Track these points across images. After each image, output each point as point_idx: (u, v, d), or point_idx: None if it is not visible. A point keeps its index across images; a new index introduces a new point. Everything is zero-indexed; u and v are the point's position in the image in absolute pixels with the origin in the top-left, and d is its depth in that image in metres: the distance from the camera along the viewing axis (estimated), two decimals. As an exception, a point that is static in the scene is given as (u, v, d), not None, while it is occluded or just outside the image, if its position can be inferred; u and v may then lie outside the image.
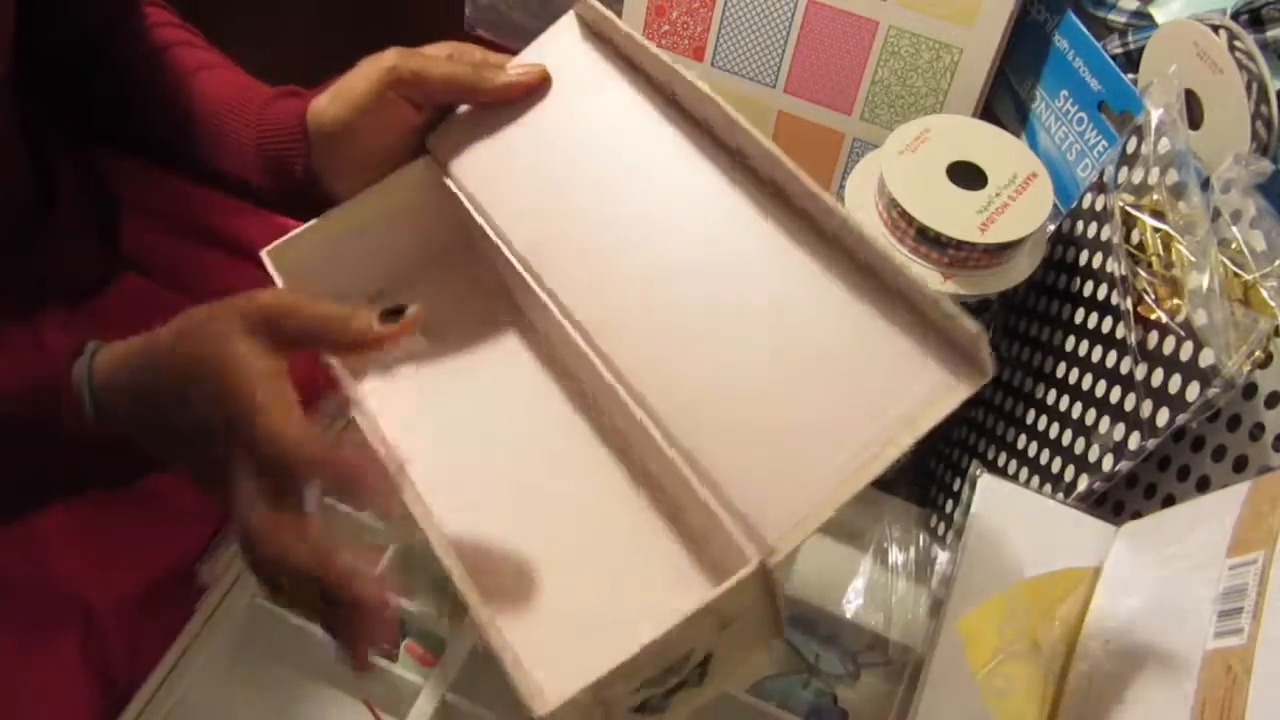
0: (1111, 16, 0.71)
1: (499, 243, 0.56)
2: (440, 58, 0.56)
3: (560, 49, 0.59)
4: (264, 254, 0.53)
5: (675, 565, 0.52)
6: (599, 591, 0.51)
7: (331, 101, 0.56)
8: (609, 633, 0.43)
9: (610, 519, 0.54)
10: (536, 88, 0.57)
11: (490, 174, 0.57)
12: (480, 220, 0.56)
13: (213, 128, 0.60)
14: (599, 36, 0.59)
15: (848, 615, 0.64)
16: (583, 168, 0.56)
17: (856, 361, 0.46)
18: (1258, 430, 0.50)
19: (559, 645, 0.45)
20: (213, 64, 0.64)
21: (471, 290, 0.63)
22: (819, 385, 0.46)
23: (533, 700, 0.39)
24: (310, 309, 0.46)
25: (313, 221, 0.53)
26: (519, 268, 0.55)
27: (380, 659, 0.62)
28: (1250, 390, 0.51)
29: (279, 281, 0.53)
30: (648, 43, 0.54)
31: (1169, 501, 0.55)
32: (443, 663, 0.61)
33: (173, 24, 0.67)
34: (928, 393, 0.43)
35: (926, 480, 0.71)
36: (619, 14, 0.67)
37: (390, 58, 0.54)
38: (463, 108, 0.58)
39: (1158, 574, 0.47)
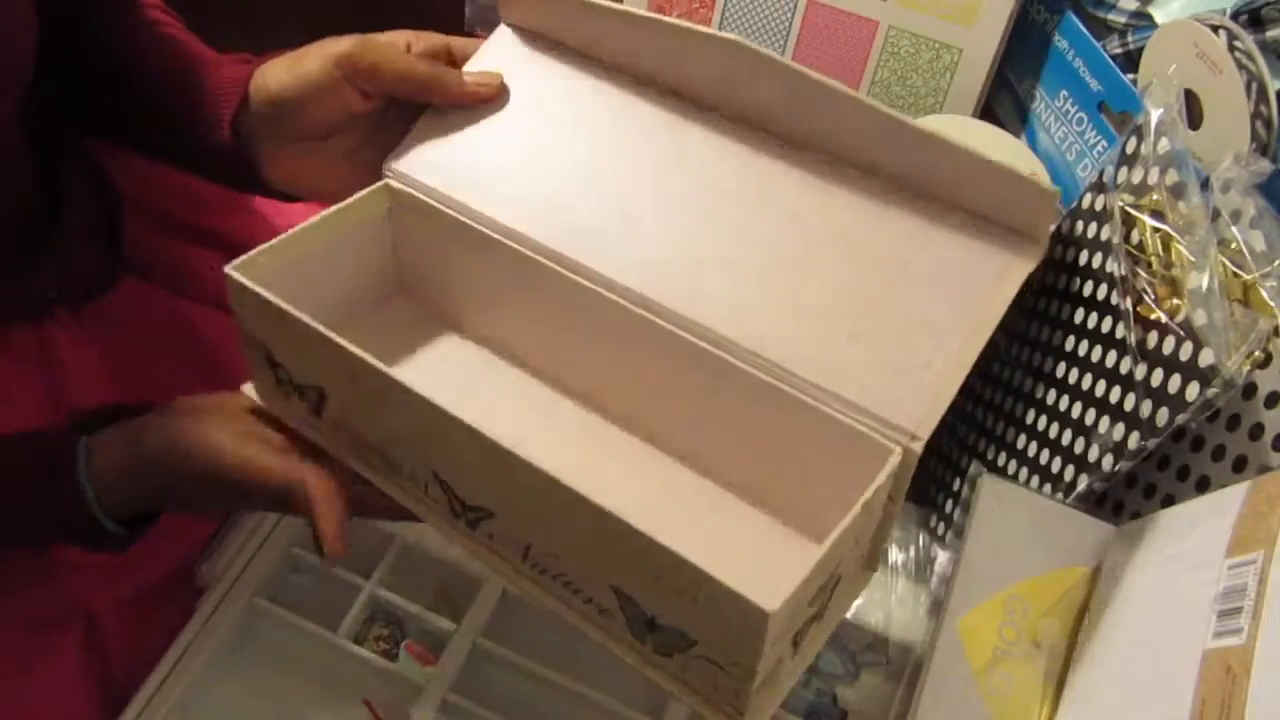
0: (1111, 16, 0.71)
1: (509, 243, 0.54)
2: (400, 51, 0.55)
3: (507, 58, 0.58)
4: (228, 270, 0.50)
5: (766, 528, 0.53)
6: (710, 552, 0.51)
7: (280, 70, 0.56)
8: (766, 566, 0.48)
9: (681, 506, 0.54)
10: (494, 100, 0.56)
11: (479, 183, 0.56)
12: (480, 227, 0.55)
13: (172, 94, 0.59)
14: (542, 40, 0.58)
15: (848, 615, 0.64)
16: (597, 163, 0.55)
17: (927, 264, 0.50)
18: (1257, 430, 0.50)
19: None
20: (179, 38, 0.63)
21: (418, 321, 0.61)
22: (897, 294, 0.50)
23: (764, 601, 0.40)
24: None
25: (270, 243, 0.51)
26: (544, 260, 0.53)
27: (380, 659, 0.62)
28: (1250, 390, 0.51)
29: (260, 291, 0.50)
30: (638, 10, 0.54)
31: (1169, 501, 0.54)
32: (443, 663, 0.61)
33: (157, 6, 0.66)
34: (999, 272, 0.49)
35: (926, 480, 0.71)
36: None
37: (348, 44, 0.54)
38: (420, 126, 0.56)
39: (1157, 574, 0.47)
